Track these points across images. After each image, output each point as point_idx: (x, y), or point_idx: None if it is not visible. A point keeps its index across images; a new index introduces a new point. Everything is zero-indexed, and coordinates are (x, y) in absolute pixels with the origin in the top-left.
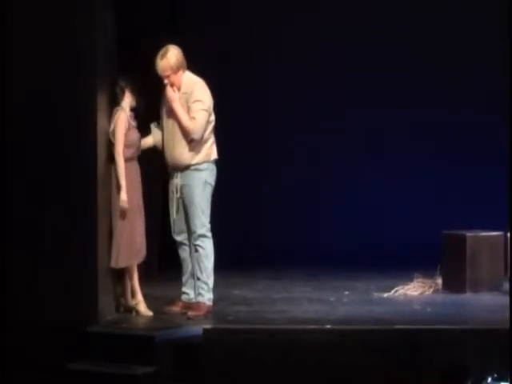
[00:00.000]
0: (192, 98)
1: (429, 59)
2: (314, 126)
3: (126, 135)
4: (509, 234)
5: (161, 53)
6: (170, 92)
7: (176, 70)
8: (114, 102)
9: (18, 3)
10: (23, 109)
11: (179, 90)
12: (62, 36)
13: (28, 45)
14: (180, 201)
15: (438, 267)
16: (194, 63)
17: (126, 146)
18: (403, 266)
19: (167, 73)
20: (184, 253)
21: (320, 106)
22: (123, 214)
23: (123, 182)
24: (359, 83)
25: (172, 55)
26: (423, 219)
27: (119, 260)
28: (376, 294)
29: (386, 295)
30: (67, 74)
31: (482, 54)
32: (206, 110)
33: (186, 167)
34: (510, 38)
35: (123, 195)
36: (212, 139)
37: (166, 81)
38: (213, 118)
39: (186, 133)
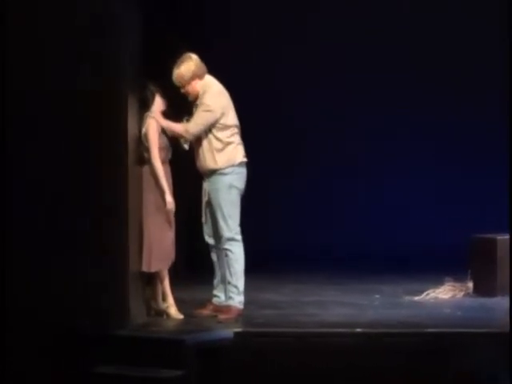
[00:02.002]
0: (199, 102)
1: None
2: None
3: (158, 139)
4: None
5: (177, 62)
6: (151, 123)
7: (189, 80)
8: (144, 106)
9: (45, 5)
10: (55, 112)
11: (197, 98)
12: (85, 37)
13: (56, 46)
14: (209, 205)
15: (469, 271)
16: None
17: (158, 149)
18: (429, 268)
19: (179, 83)
20: (215, 256)
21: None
22: (168, 216)
23: (165, 185)
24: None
25: (185, 66)
26: (450, 222)
27: (152, 264)
28: (406, 298)
29: (416, 298)
30: (93, 75)
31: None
32: (207, 111)
33: (212, 172)
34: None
35: (168, 197)
36: (235, 143)
37: (182, 90)
38: (231, 122)
39: (180, 137)
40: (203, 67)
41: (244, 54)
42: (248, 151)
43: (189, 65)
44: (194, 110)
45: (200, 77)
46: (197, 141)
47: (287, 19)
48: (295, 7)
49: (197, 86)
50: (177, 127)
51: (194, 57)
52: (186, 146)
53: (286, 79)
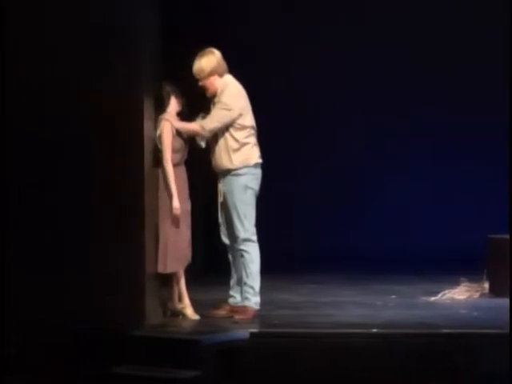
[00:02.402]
0: (217, 99)
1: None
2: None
3: (172, 142)
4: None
5: (198, 55)
6: (166, 125)
7: (208, 75)
8: (160, 106)
9: (62, 5)
10: (71, 112)
11: (215, 95)
12: (102, 37)
13: (70, 47)
14: (224, 205)
15: (485, 271)
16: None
17: (173, 151)
18: (445, 269)
19: (199, 76)
20: (232, 256)
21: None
22: (175, 220)
23: (174, 190)
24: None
25: (207, 60)
26: (466, 222)
27: (167, 265)
28: (422, 298)
29: (432, 299)
30: (110, 76)
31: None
32: (224, 110)
33: (227, 172)
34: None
35: (175, 203)
36: (251, 144)
37: (200, 83)
38: (249, 123)
39: (196, 135)
40: (224, 65)
41: (260, 55)
42: (262, 153)
43: (210, 59)
44: (212, 106)
45: (220, 74)
46: (213, 140)
47: (301, 20)
48: (308, 9)
49: (216, 82)
50: (192, 125)
51: (217, 53)
52: (203, 144)
53: (298, 81)
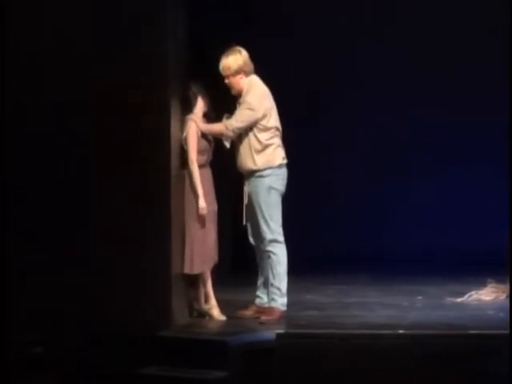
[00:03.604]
0: (242, 99)
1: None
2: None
3: (197, 143)
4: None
5: (226, 52)
6: (192, 126)
7: (234, 73)
8: (187, 107)
9: (91, 3)
10: (98, 112)
11: (240, 94)
12: (131, 36)
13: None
14: (250, 207)
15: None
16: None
17: (198, 152)
18: (471, 270)
19: (225, 73)
20: (258, 257)
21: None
22: (201, 220)
23: (200, 190)
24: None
25: (234, 58)
26: (493, 223)
27: (194, 266)
28: (449, 299)
29: (459, 300)
30: (138, 76)
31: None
32: (249, 110)
33: (251, 173)
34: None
35: (201, 202)
36: (275, 145)
37: (226, 80)
38: (272, 124)
39: (221, 135)
40: (251, 65)
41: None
42: (290, 154)
43: (237, 58)
44: (237, 106)
45: (246, 73)
46: (238, 140)
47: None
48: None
49: (241, 82)
50: (216, 126)
51: (244, 52)
52: (228, 144)
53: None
